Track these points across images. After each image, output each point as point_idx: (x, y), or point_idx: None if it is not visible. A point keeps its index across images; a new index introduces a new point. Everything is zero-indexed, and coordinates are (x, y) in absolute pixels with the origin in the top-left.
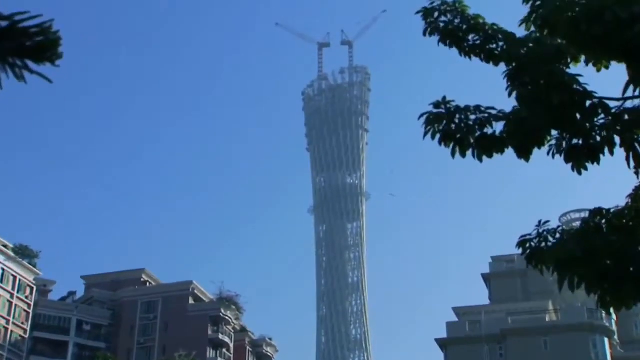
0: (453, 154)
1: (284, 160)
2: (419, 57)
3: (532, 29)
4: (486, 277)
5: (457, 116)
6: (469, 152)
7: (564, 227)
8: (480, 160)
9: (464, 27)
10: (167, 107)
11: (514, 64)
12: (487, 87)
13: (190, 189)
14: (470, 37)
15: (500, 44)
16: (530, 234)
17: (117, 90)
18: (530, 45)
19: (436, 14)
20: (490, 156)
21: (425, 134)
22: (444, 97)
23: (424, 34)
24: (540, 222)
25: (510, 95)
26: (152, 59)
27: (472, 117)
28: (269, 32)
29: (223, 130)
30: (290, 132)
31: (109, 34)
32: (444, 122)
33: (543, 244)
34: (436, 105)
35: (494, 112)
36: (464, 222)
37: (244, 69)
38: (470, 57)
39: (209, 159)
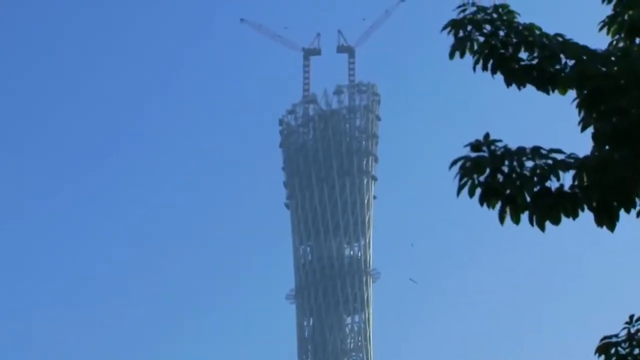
0: (501, 219)
1: (251, 220)
2: (450, 69)
3: (616, 36)
4: None
5: (507, 163)
6: (525, 216)
7: None
8: (542, 227)
9: (514, 41)
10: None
11: (589, 89)
12: (550, 118)
13: (110, 262)
14: (523, 55)
15: (568, 62)
16: (617, 335)
17: None
18: (613, 59)
19: (469, 27)
20: (556, 222)
21: (460, 188)
22: (487, 135)
23: (452, 56)
24: (632, 317)
25: (583, 130)
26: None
27: (529, 164)
28: (232, 32)
29: (160, 173)
30: (262, 178)
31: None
32: (487, 171)
33: (636, 351)
34: (475, 146)
35: (560, 156)
36: (518, 317)
37: (193, 84)
38: (522, 86)
39: (141, 215)
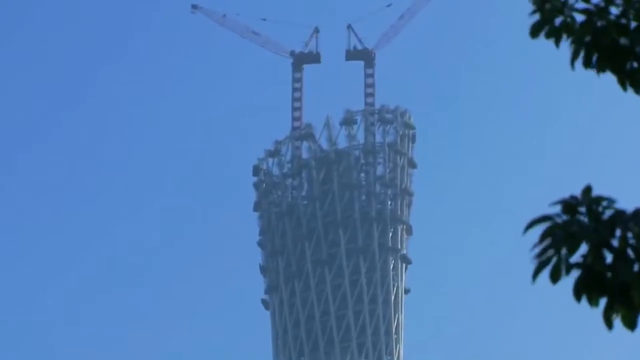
0: (608, 321)
1: (210, 328)
2: (529, 77)
3: None
4: None
5: (618, 233)
6: None
7: None
8: None
9: (633, 24)
10: None
11: None
12: None
13: None
14: None
15: None
16: None
17: None
18: None
19: None
20: None
21: (539, 269)
22: (588, 188)
23: (535, 34)
24: None
25: None
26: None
27: None
28: (179, 26)
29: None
30: (226, 260)
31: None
32: (590, 247)
33: None
34: (567, 206)
35: None
36: None
37: (121, 106)
38: None
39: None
